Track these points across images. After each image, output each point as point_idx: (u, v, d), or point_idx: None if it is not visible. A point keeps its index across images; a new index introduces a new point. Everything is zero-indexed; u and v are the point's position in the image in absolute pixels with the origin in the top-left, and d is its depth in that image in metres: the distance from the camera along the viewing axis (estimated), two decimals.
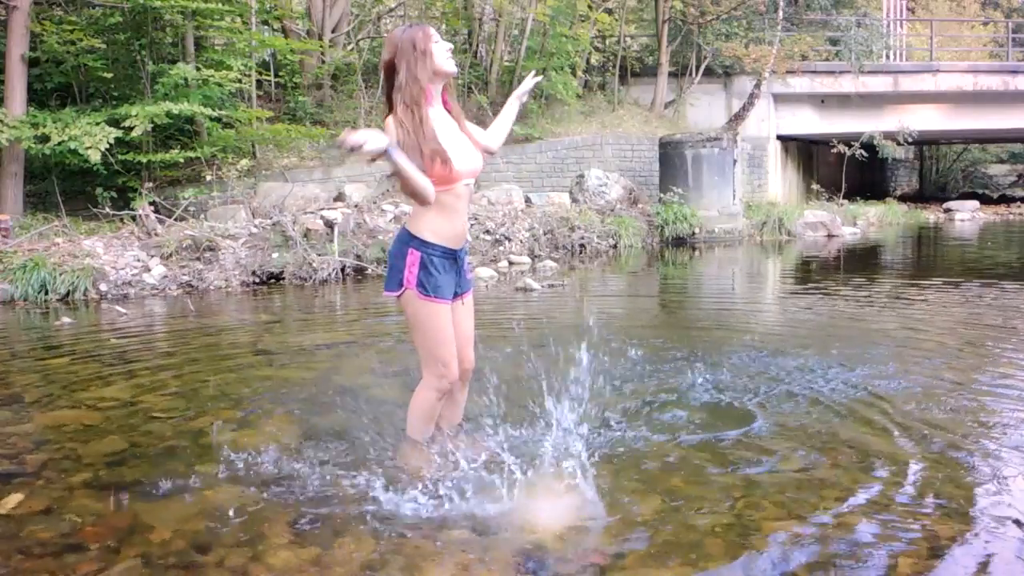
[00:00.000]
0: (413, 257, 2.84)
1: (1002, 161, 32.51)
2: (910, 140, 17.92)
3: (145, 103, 9.67)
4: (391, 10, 17.04)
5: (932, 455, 3.10)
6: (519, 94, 3.31)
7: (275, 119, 12.04)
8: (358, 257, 9.37)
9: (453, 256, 2.92)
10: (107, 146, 9.00)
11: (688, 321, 6.80)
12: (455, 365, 2.96)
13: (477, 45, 15.62)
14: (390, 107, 2.82)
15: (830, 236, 14.52)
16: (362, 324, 6.46)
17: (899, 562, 2.27)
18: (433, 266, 2.85)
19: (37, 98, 10.51)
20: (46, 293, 7.64)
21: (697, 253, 12.34)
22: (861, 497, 2.70)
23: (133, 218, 9.37)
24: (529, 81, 3.33)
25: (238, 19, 12.19)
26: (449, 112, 2.94)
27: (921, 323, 6.13)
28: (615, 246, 12.30)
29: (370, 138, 2.53)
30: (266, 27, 13.92)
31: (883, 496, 2.71)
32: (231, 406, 3.88)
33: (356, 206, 10.48)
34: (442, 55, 2.86)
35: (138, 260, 8.49)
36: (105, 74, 10.44)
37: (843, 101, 18.28)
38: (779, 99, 18.11)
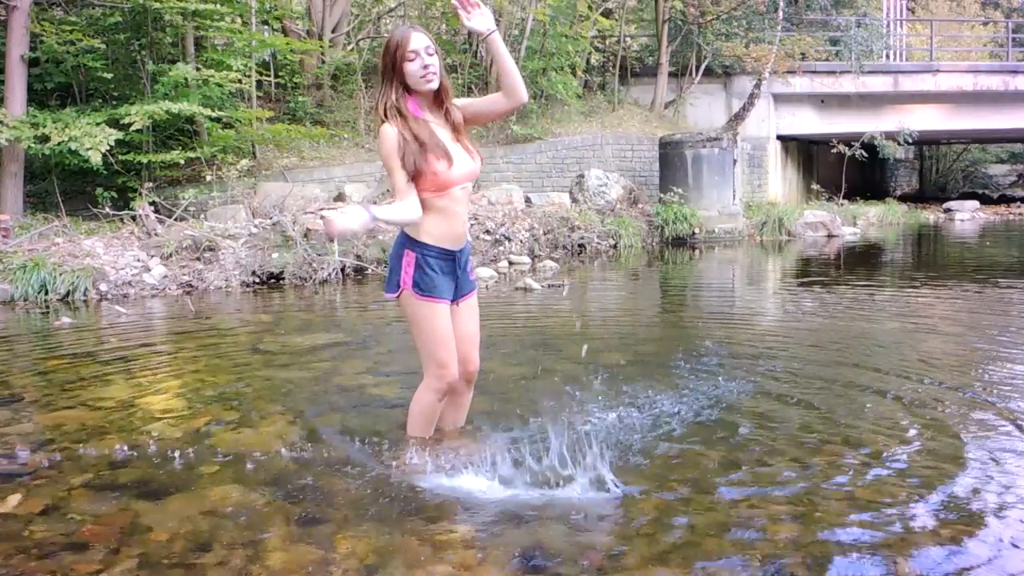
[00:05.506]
0: (409, 258, 2.87)
1: (1002, 161, 32.52)
2: (910, 140, 17.93)
3: (145, 103, 9.66)
4: (391, 10, 17.03)
5: (935, 452, 3.10)
6: (476, 28, 2.79)
7: (275, 119, 12.04)
8: (358, 257, 9.37)
9: (452, 257, 2.93)
10: (108, 147, 9.00)
11: (688, 321, 6.80)
12: (454, 365, 2.97)
13: (477, 45, 15.60)
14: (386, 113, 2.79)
15: (830, 236, 14.52)
16: (362, 324, 6.45)
17: (899, 562, 2.26)
18: (429, 267, 2.87)
19: (37, 98, 10.51)
20: (46, 293, 7.63)
21: (697, 253, 12.33)
22: (862, 496, 2.70)
23: (133, 218, 9.37)
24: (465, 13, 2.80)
25: (238, 19, 12.19)
26: (446, 118, 2.89)
27: (922, 317, 6.13)
28: (615, 246, 12.30)
29: (350, 221, 2.56)
30: (266, 27, 13.91)
31: (885, 494, 2.71)
32: (231, 406, 3.88)
33: None
34: (415, 74, 2.76)
35: (138, 260, 8.48)
36: (105, 74, 10.44)
37: (843, 101, 18.29)
38: (779, 99, 18.11)
